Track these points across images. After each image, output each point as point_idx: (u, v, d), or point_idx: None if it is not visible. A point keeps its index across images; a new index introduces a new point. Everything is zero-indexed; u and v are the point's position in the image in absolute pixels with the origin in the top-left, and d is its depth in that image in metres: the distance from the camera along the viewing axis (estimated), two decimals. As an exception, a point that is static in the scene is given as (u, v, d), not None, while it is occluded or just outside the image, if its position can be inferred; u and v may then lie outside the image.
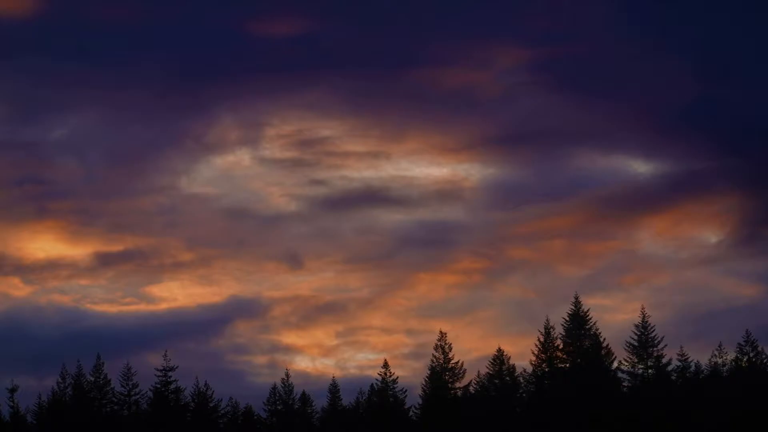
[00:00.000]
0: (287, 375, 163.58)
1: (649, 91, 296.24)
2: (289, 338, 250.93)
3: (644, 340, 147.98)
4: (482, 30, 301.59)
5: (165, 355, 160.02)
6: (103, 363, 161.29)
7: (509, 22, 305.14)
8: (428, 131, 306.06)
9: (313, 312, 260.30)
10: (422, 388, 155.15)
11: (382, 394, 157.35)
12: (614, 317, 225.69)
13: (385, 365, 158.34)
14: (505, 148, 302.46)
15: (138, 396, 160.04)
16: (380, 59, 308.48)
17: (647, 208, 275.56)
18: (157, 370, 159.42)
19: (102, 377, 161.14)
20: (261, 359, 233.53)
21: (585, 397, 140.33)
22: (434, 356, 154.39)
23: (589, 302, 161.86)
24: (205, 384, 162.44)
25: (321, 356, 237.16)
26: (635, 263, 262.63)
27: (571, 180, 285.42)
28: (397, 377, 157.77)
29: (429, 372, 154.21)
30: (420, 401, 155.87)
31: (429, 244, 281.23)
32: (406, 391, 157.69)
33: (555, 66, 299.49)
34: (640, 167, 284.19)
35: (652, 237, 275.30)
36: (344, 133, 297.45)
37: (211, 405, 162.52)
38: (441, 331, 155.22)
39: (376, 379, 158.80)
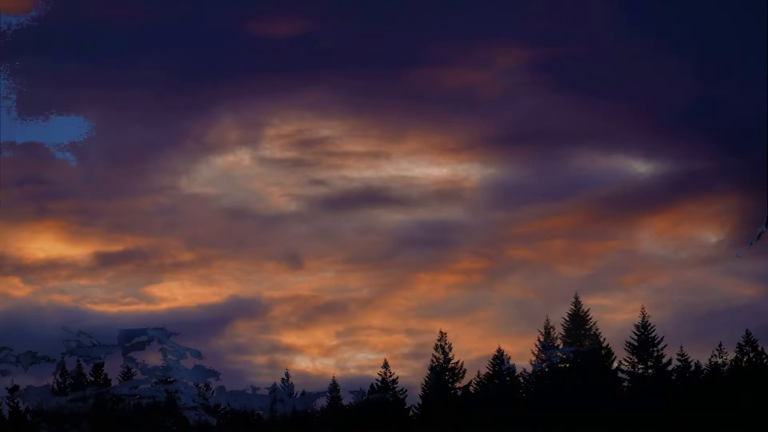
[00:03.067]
0: (287, 375, 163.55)
1: (649, 91, 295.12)
2: (289, 338, 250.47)
3: (644, 340, 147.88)
4: (482, 30, 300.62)
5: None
6: (103, 363, 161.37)
7: (509, 22, 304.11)
8: (428, 131, 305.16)
9: (313, 312, 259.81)
10: (422, 388, 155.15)
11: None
12: (614, 317, 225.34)
13: (385, 365, 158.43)
14: (505, 148, 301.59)
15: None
16: (380, 59, 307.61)
17: (647, 208, 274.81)
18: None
19: (102, 377, 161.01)
20: (261, 359, 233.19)
21: (585, 397, 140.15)
22: (434, 356, 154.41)
23: (589, 302, 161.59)
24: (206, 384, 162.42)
25: (321, 356, 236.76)
26: (635, 263, 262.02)
27: (571, 180, 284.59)
28: (397, 377, 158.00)
29: (429, 372, 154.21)
30: (420, 401, 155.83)
31: (429, 244, 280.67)
32: (406, 391, 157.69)
33: (555, 66, 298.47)
34: (640, 167, 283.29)
35: (652, 237, 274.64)
36: (344, 133, 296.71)
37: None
38: (441, 331, 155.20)
39: (376, 379, 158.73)
